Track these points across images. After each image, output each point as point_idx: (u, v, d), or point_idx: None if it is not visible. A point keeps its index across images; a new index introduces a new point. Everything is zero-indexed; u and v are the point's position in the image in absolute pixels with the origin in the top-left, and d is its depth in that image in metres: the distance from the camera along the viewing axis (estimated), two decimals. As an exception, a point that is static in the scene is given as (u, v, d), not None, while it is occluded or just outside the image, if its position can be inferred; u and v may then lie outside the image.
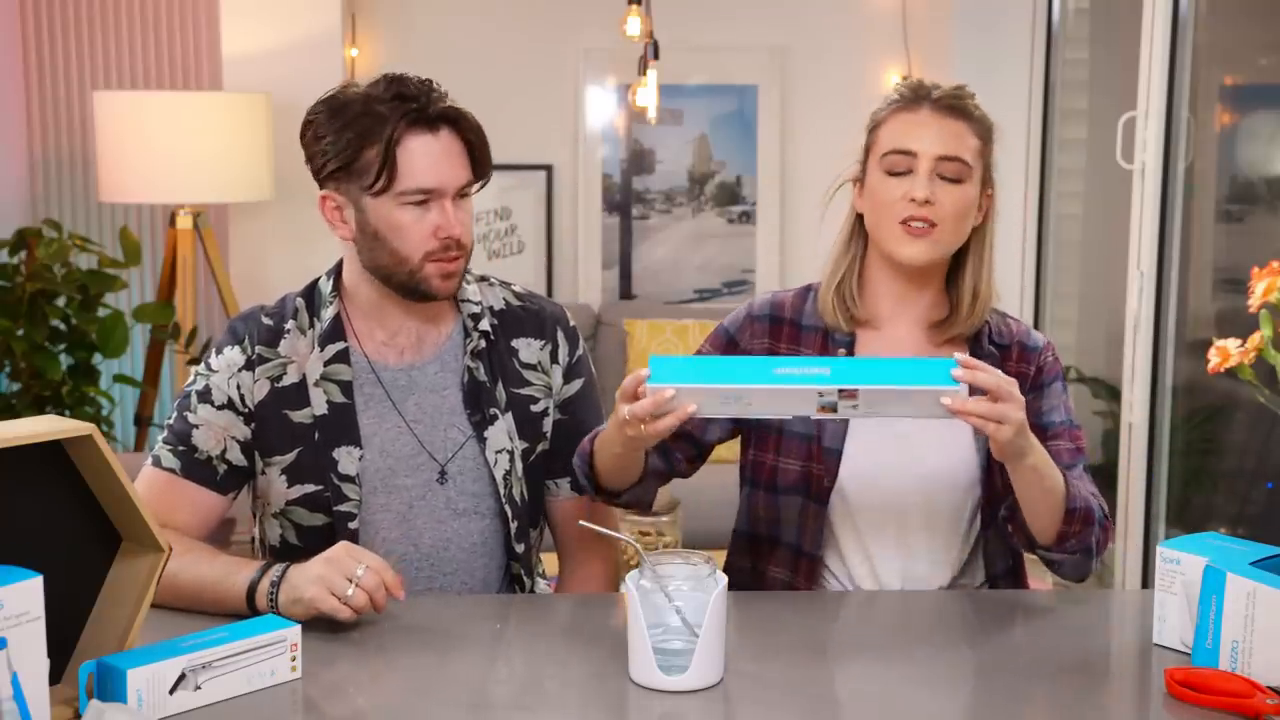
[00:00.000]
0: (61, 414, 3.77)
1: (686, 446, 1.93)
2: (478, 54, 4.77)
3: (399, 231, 1.84)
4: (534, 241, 4.86)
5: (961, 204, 1.85)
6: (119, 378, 4.43)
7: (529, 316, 2.00)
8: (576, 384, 2.01)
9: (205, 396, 1.91)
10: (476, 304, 1.97)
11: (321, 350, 1.90)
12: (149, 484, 1.89)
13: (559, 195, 4.85)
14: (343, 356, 1.91)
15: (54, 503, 1.48)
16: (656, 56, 3.82)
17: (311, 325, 1.93)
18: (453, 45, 4.73)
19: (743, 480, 1.99)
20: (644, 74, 3.85)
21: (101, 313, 4.13)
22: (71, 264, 4.09)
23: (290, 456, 1.89)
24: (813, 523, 1.91)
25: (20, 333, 3.96)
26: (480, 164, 1.89)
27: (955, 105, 1.86)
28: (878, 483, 1.89)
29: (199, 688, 1.48)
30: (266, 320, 1.93)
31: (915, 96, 1.88)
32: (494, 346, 1.96)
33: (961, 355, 1.62)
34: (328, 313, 1.92)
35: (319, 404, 1.89)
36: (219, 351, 1.93)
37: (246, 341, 1.92)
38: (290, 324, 1.93)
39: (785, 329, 1.94)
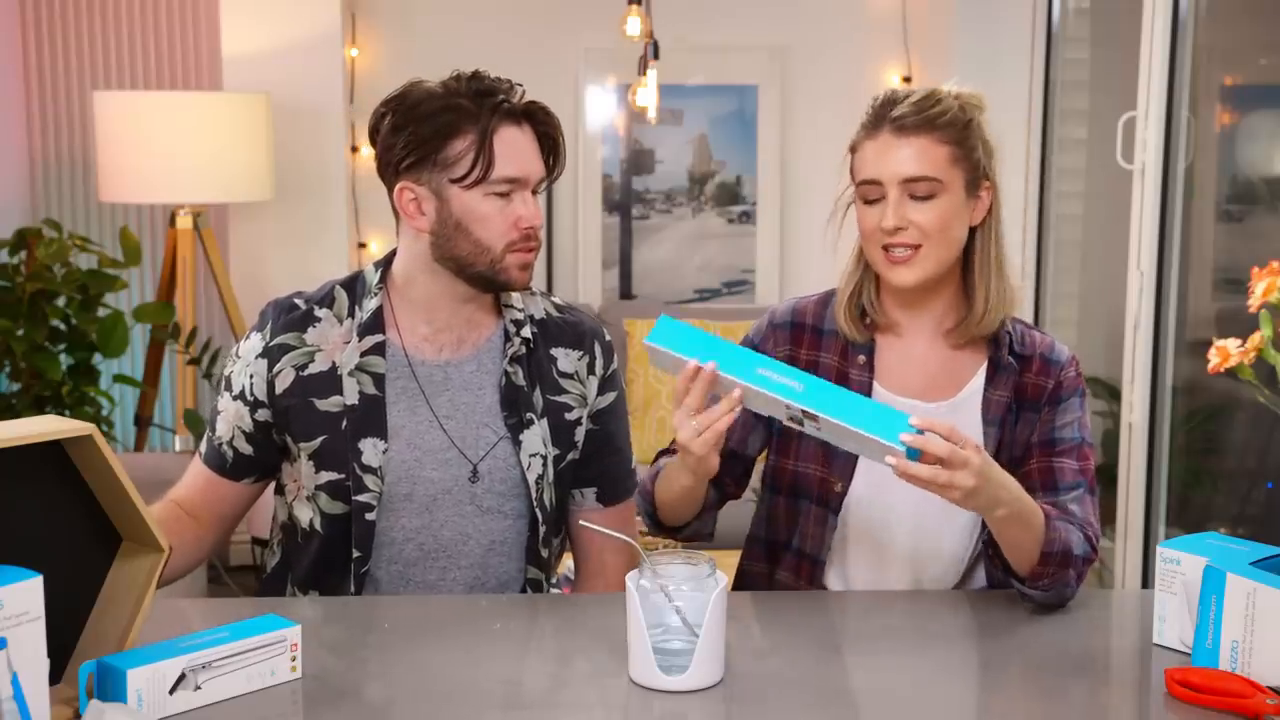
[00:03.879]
0: (61, 414, 3.77)
1: (732, 466, 1.95)
2: (478, 54, 4.72)
3: (483, 222, 1.86)
4: (534, 241, 4.85)
5: (939, 219, 1.81)
6: (119, 378, 4.43)
7: (569, 328, 2.02)
8: (610, 396, 2.03)
9: (227, 384, 1.97)
10: (520, 310, 1.99)
11: (359, 341, 1.92)
12: (189, 469, 2.00)
13: (559, 195, 4.85)
14: (379, 349, 1.92)
15: (54, 503, 1.48)
16: (656, 56, 3.82)
17: (351, 314, 1.94)
18: (453, 45, 4.72)
19: (764, 485, 2.00)
20: (644, 74, 3.85)
21: (101, 313, 4.13)
22: (71, 264, 4.09)
23: (315, 443, 1.91)
24: (815, 527, 1.91)
25: (20, 333, 3.96)
26: (555, 159, 1.93)
27: (914, 122, 1.81)
28: (889, 494, 1.88)
29: (199, 688, 1.48)
30: (300, 305, 1.95)
31: (876, 120, 1.84)
32: (533, 354, 1.97)
33: (919, 419, 1.58)
34: (370, 303, 1.93)
35: (351, 394, 1.90)
36: (248, 336, 1.97)
37: (268, 329, 1.94)
38: (325, 311, 1.94)
39: (806, 335, 1.94)
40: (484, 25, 4.75)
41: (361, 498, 1.89)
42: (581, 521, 1.93)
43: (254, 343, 1.95)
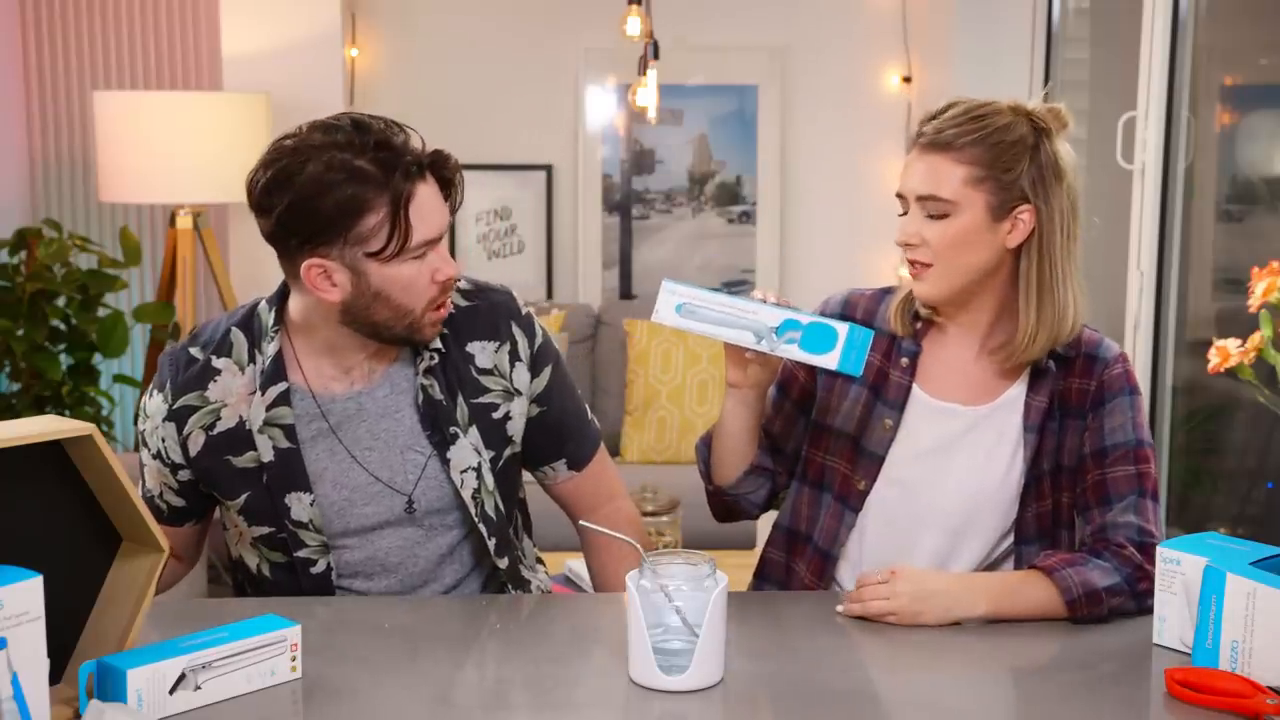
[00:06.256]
0: (61, 414, 3.77)
1: (783, 460, 1.98)
2: (478, 54, 4.77)
3: (407, 287, 1.76)
4: (534, 241, 4.86)
5: (948, 239, 1.80)
6: (119, 378, 4.43)
7: (480, 314, 1.91)
8: (546, 373, 1.94)
9: (143, 441, 1.90)
10: None
11: (263, 394, 1.82)
12: None
13: (559, 195, 4.85)
14: (284, 398, 1.82)
15: (54, 503, 1.48)
16: (656, 56, 3.82)
17: (252, 359, 1.84)
18: (453, 45, 4.73)
19: (794, 475, 2.00)
20: (644, 74, 3.85)
21: (101, 313, 4.13)
22: (71, 264, 4.09)
23: (241, 500, 1.85)
24: (833, 522, 1.92)
25: (20, 333, 3.96)
26: (454, 199, 1.82)
27: (935, 141, 1.81)
28: (916, 498, 1.89)
29: (199, 688, 1.48)
30: (198, 356, 1.84)
31: (916, 133, 1.85)
32: (447, 358, 1.88)
33: (842, 606, 1.77)
34: (269, 348, 1.83)
35: (265, 451, 1.82)
36: (151, 394, 1.87)
37: (169, 388, 1.84)
38: (224, 360, 1.84)
39: None
40: (484, 25, 4.75)
41: (302, 554, 1.85)
42: (581, 522, 1.92)
43: (157, 403, 1.85)
